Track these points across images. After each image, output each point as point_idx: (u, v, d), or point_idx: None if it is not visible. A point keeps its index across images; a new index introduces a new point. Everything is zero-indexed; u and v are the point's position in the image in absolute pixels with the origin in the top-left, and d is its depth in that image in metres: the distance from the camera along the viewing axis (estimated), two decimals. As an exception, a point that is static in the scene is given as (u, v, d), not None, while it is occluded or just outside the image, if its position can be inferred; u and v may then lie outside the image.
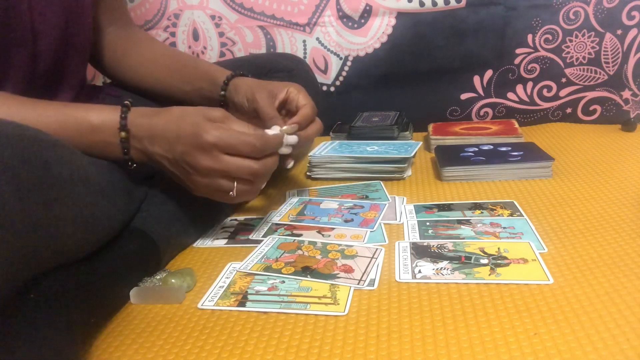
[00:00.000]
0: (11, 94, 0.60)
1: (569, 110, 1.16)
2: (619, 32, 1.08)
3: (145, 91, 0.80)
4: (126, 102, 0.60)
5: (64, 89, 0.71)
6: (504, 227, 0.68)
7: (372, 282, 0.56)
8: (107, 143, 0.59)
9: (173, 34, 1.20)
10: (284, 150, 0.65)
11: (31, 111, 0.57)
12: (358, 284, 0.56)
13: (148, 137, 0.60)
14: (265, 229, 0.72)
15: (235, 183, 0.59)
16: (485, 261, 0.59)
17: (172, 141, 0.58)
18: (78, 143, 0.57)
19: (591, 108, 1.15)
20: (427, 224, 0.70)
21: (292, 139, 0.66)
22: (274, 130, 0.65)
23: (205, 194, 0.62)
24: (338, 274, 0.58)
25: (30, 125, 0.50)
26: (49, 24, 0.65)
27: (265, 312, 0.53)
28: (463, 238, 0.65)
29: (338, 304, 0.53)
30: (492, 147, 0.94)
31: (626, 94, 1.12)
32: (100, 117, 0.59)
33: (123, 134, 0.59)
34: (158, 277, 0.59)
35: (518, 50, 1.12)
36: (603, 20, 1.07)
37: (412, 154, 0.91)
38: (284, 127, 0.66)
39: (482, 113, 1.18)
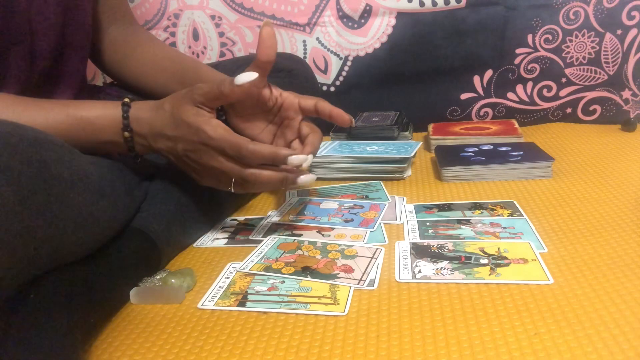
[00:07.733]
0: (15, 95, 0.60)
1: (569, 110, 1.16)
2: (619, 32, 1.07)
3: (145, 93, 0.80)
4: (126, 99, 0.62)
5: (63, 88, 0.71)
6: (504, 227, 0.67)
7: (372, 282, 0.56)
8: (112, 142, 0.62)
9: (173, 34, 1.20)
10: (294, 160, 0.60)
11: (35, 112, 0.58)
12: (358, 284, 0.56)
13: (151, 134, 0.62)
14: (265, 229, 0.72)
15: (233, 180, 0.61)
16: (485, 261, 0.59)
17: (173, 139, 0.61)
18: (84, 143, 0.60)
19: (591, 108, 1.15)
20: (427, 224, 0.70)
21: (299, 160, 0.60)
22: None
23: (210, 185, 0.64)
24: (338, 274, 0.58)
25: (35, 127, 0.50)
26: (47, 22, 0.65)
27: (265, 312, 0.53)
28: (463, 238, 0.65)
29: (338, 304, 0.53)
30: (492, 147, 0.94)
31: (626, 94, 1.12)
32: (103, 117, 0.61)
33: (126, 133, 0.61)
34: (158, 277, 0.59)
35: (518, 50, 1.11)
36: (603, 20, 1.07)
37: (412, 154, 0.91)
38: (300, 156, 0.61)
39: (482, 113, 1.18)
